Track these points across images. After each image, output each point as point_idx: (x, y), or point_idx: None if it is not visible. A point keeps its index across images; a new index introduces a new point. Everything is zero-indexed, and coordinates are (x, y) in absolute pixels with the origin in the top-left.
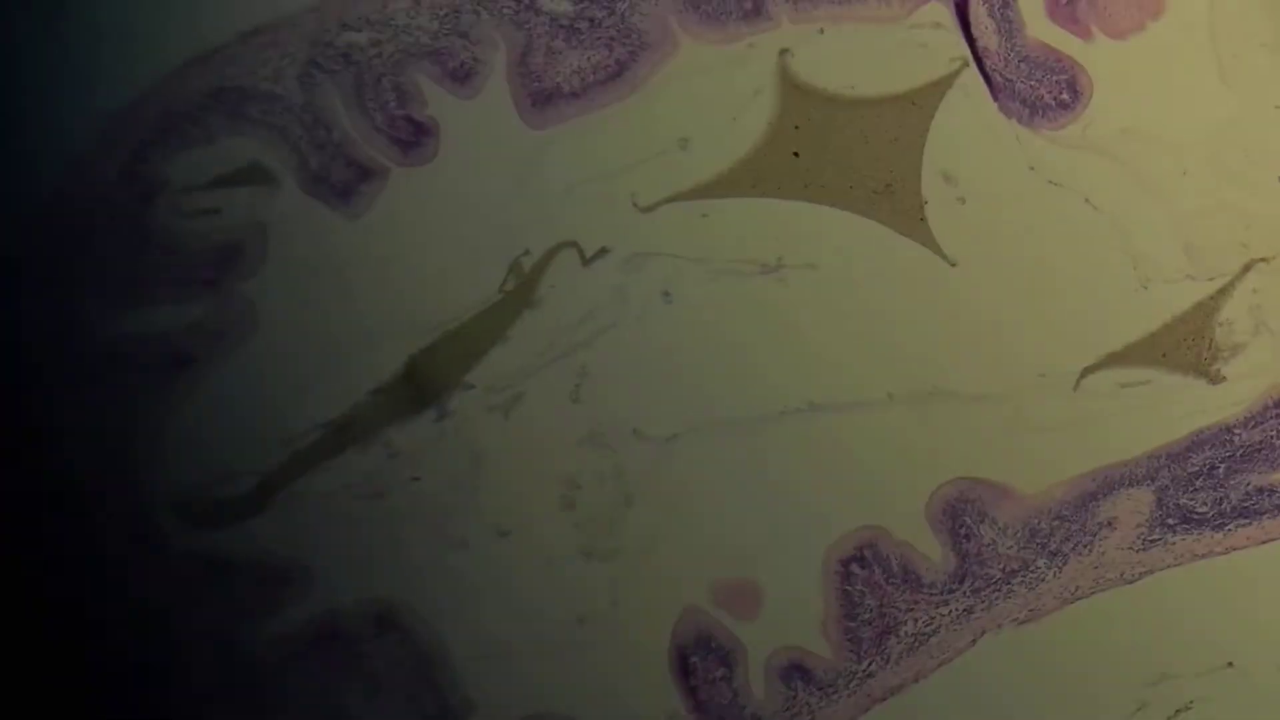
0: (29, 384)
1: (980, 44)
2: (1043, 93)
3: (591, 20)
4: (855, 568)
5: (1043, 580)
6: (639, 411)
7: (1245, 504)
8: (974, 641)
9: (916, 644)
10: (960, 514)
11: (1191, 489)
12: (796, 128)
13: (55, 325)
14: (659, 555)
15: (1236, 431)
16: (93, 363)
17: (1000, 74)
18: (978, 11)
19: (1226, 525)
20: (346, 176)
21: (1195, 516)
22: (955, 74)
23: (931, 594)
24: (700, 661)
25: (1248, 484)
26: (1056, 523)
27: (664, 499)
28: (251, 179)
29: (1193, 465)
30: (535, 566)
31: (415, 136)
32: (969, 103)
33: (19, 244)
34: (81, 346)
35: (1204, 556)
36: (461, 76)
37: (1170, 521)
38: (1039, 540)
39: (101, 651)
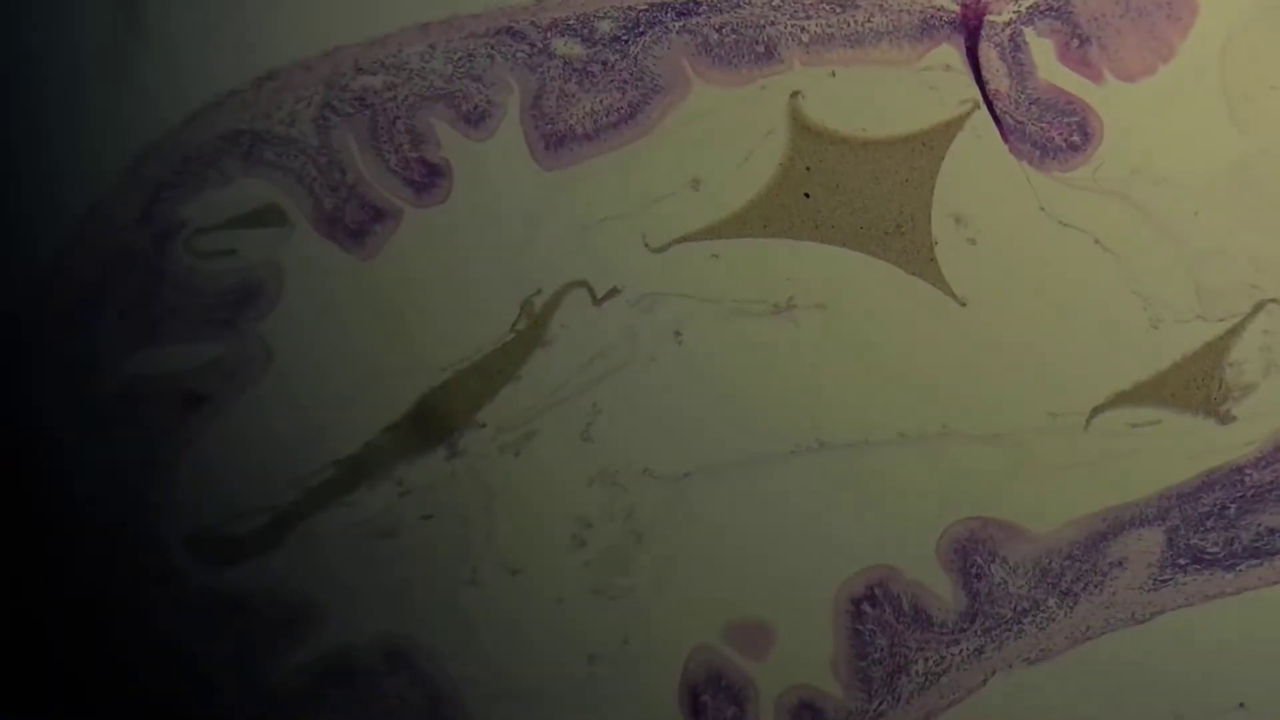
0: (44, 423)
1: (991, 86)
2: (1053, 135)
3: (604, 64)
4: (866, 607)
5: (1053, 620)
6: (650, 451)
7: (1256, 544)
8: (984, 681)
9: (927, 683)
10: (971, 553)
11: (1202, 529)
12: (808, 169)
13: (70, 365)
14: (670, 594)
15: (1248, 472)
16: (107, 401)
17: (1011, 116)
18: (988, 55)
19: (1238, 566)
20: (360, 218)
21: (1206, 557)
22: (966, 116)
23: (942, 633)
24: (711, 700)
25: (1259, 524)
26: (1067, 562)
27: (675, 538)
28: (267, 220)
29: (1203, 505)
30: (546, 605)
31: (428, 178)
32: (979, 144)
33: (36, 286)
34: (96, 385)
35: (1215, 597)
36: (475, 119)
37: (1181, 562)
38: (1050, 580)
39: (116, 689)
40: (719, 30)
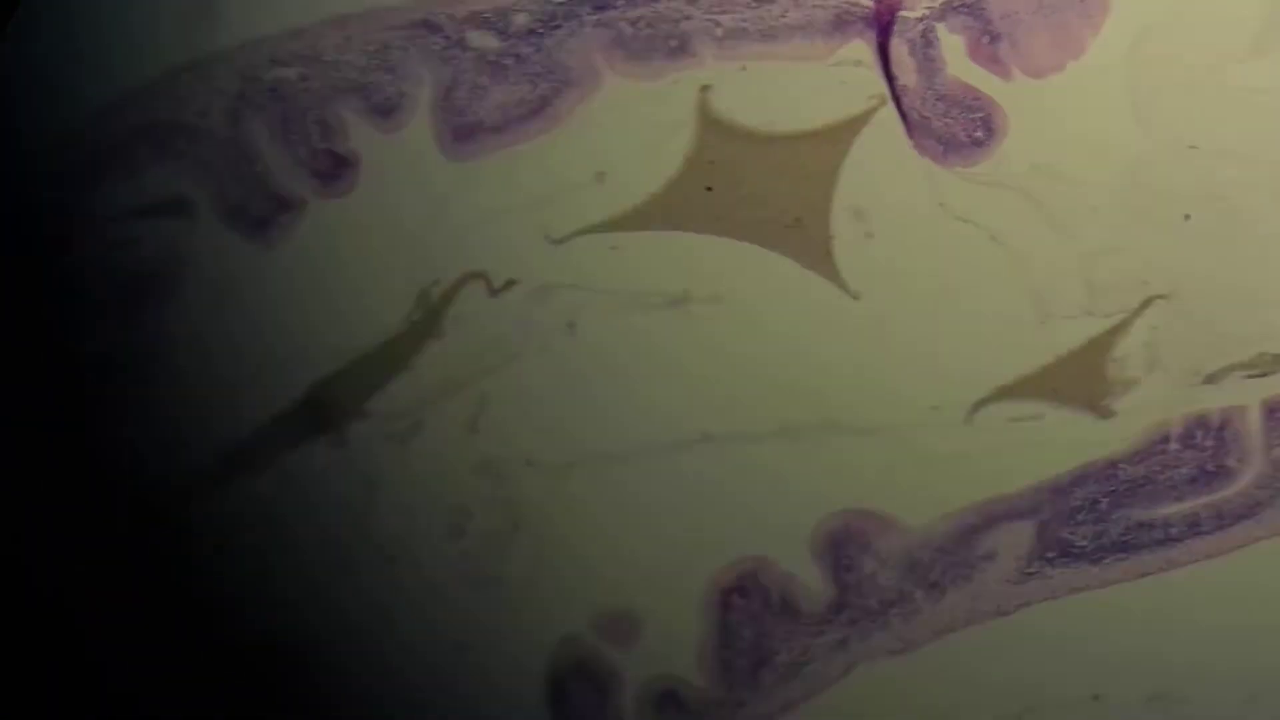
0: None
1: (899, 82)
2: (957, 130)
3: (518, 56)
4: (736, 598)
5: (919, 612)
6: (535, 441)
7: (1124, 539)
8: (846, 672)
9: (789, 674)
10: (843, 545)
11: (1072, 523)
12: (712, 163)
13: None
14: (543, 583)
15: (1121, 466)
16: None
17: (917, 112)
18: (899, 50)
19: (1104, 559)
20: (264, 208)
21: (1074, 550)
22: (872, 111)
23: (808, 624)
24: (576, 688)
25: (1128, 519)
26: (937, 555)
27: (553, 528)
28: (172, 211)
29: (1075, 499)
30: (419, 594)
31: (335, 169)
32: (884, 140)
33: None
34: None
35: (1080, 590)
36: (386, 111)
37: (1049, 555)
38: (919, 572)
39: None
40: (634, 24)
